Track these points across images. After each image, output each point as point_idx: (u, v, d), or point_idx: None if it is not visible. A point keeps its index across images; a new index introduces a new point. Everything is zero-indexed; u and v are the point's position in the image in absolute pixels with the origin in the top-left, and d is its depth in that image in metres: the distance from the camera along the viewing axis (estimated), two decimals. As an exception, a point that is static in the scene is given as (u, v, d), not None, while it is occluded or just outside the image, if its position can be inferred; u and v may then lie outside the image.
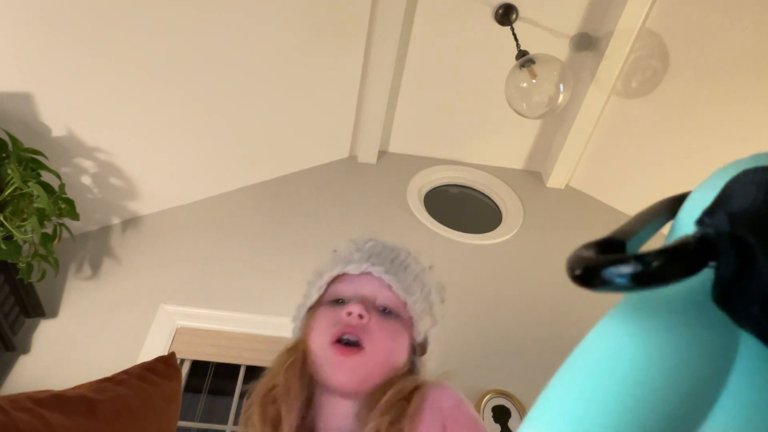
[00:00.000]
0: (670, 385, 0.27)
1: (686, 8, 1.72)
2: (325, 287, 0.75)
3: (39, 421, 0.80)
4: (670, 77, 1.86)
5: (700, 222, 0.28)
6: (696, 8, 1.70)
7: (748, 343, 0.28)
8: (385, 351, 0.69)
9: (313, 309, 0.75)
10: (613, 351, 0.28)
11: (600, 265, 0.26)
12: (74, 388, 0.96)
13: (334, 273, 0.74)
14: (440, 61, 2.05)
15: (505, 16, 1.82)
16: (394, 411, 0.63)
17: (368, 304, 0.70)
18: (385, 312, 0.72)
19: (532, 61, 1.71)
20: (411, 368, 0.74)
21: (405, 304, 0.73)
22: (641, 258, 0.24)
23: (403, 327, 0.72)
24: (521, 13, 1.84)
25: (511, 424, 1.53)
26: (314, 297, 0.75)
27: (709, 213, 0.28)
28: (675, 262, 0.25)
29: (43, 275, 1.45)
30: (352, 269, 0.73)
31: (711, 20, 1.70)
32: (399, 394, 0.66)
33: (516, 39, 1.77)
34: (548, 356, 1.65)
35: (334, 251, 0.82)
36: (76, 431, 0.84)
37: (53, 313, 1.62)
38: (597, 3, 1.85)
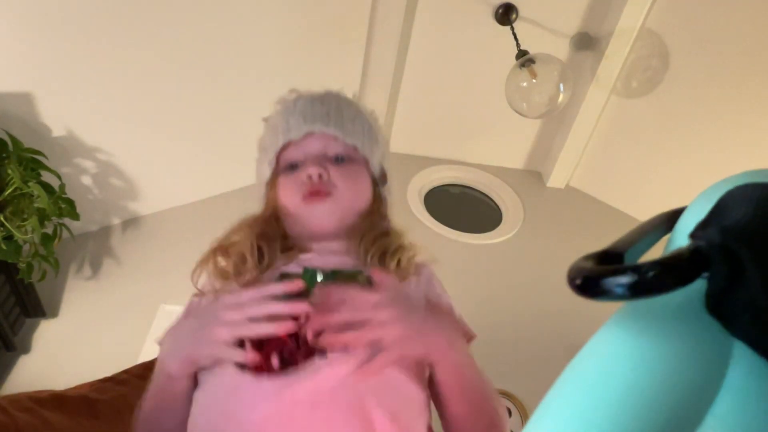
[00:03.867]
0: (668, 390, 0.28)
1: (687, 8, 1.72)
2: (275, 160, 0.80)
3: (39, 421, 0.80)
4: (670, 77, 1.86)
5: (693, 235, 0.30)
6: (696, 8, 1.70)
7: (740, 350, 0.29)
8: (351, 193, 0.75)
9: (270, 182, 0.81)
10: (613, 358, 0.30)
11: (599, 275, 0.27)
12: (75, 388, 0.96)
13: (279, 145, 0.79)
14: (440, 61, 2.05)
15: (505, 15, 1.82)
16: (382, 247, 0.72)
17: (321, 160, 0.75)
18: (339, 160, 0.76)
19: (532, 61, 1.71)
20: (380, 200, 0.82)
21: (354, 147, 0.78)
22: (637, 269, 0.26)
23: (359, 167, 0.79)
24: (521, 13, 1.84)
25: (511, 424, 1.53)
26: (268, 172, 0.81)
27: (702, 226, 0.30)
28: (669, 273, 0.26)
29: (43, 275, 1.45)
30: (294, 135, 0.77)
31: (711, 19, 1.70)
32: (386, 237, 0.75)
33: (516, 39, 1.77)
34: (549, 356, 1.65)
35: (264, 120, 0.87)
36: (77, 431, 0.84)
37: (53, 313, 1.62)
38: (597, 3, 1.85)
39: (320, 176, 0.73)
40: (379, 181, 0.83)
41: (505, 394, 1.58)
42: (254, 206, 0.89)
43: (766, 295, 0.26)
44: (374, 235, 0.74)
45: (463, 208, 2.32)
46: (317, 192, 0.72)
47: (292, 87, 1.92)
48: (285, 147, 0.79)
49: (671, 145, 2.00)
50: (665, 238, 0.38)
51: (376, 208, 0.80)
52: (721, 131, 1.87)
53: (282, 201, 0.77)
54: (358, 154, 0.79)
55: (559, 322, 1.75)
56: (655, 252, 0.32)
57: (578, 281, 0.28)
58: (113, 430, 0.87)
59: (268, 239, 0.74)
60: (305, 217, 0.74)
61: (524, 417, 1.54)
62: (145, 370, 1.10)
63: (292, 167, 0.77)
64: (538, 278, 1.93)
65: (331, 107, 0.79)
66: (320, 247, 0.75)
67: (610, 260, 0.31)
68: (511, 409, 1.56)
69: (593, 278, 0.28)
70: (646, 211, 2.22)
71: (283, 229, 0.78)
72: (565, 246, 2.07)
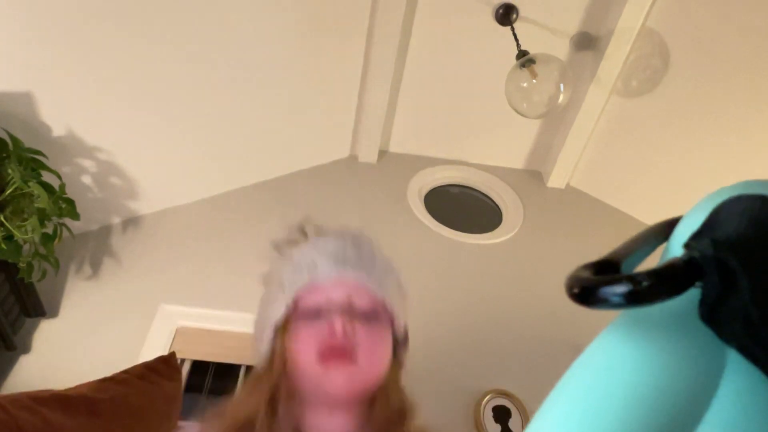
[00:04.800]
0: (665, 393, 0.28)
1: (687, 7, 1.72)
2: (292, 302, 0.69)
3: (40, 420, 0.80)
4: (670, 76, 1.86)
5: (687, 246, 0.31)
6: (697, 7, 1.70)
7: (734, 357, 0.29)
8: (374, 360, 0.65)
9: (282, 327, 0.69)
10: (611, 364, 0.30)
11: (596, 284, 0.28)
12: (75, 388, 0.96)
13: (302, 284, 0.68)
14: (441, 60, 2.05)
15: (506, 16, 1.82)
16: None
17: (348, 312, 0.65)
18: (366, 317, 0.67)
19: (532, 61, 1.71)
20: (397, 367, 0.71)
21: (383, 302, 0.69)
22: (633, 278, 0.27)
23: (385, 327, 0.69)
24: (521, 13, 1.84)
25: (511, 424, 1.53)
26: (281, 313, 0.69)
27: (695, 237, 0.31)
28: (664, 282, 0.27)
29: (43, 275, 1.45)
30: (322, 279, 0.68)
31: (711, 19, 1.70)
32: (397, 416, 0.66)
33: (516, 39, 1.77)
34: (548, 356, 1.66)
35: (275, 246, 0.77)
36: (77, 430, 0.84)
37: (54, 313, 1.62)
38: (597, 2, 1.85)
39: (345, 331, 0.63)
40: (400, 343, 0.74)
41: (505, 394, 1.58)
42: (249, 318, 0.81)
43: (756, 304, 0.26)
44: (387, 415, 0.66)
45: (464, 208, 2.32)
46: (339, 353, 0.63)
47: (292, 87, 1.91)
48: (305, 288, 0.69)
49: (671, 145, 2.00)
50: (661, 247, 0.39)
51: (393, 375, 0.70)
52: (721, 130, 1.87)
53: (295, 354, 0.66)
54: (386, 311, 0.70)
55: (559, 321, 1.75)
56: (652, 261, 0.32)
57: (576, 290, 0.29)
58: (113, 429, 0.87)
59: (280, 401, 0.65)
60: (320, 380, 0.63)
61: (524, 416, 1.54)
62: (145, 370, 1.10)
63: (312, 314, 0.67)
64: (538, 278, 1.93)
65: (364, 253, 0.71)
66: (329, 413, 0.67)
67: (606, 270, 0.32)
68: (512, 409, 1.56)
69: (590, 288, 0.28)
70: (645, 211, 2.22)
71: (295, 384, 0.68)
72: (565, 246, 2.07)
